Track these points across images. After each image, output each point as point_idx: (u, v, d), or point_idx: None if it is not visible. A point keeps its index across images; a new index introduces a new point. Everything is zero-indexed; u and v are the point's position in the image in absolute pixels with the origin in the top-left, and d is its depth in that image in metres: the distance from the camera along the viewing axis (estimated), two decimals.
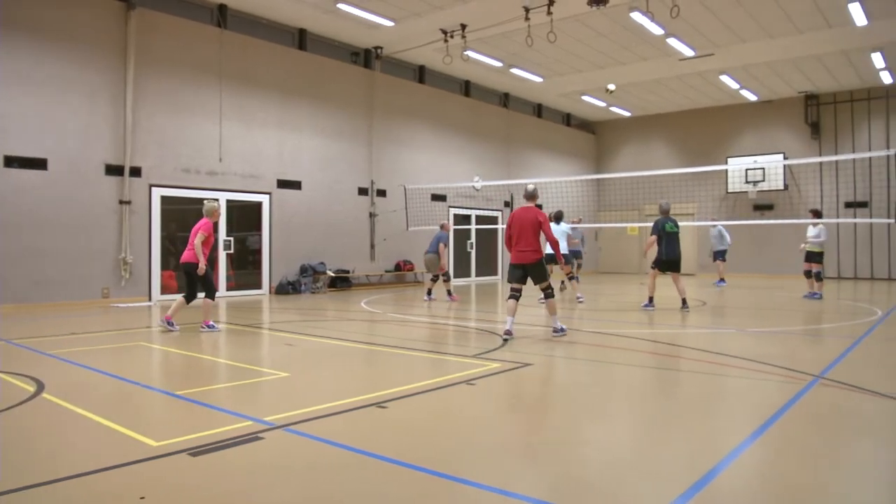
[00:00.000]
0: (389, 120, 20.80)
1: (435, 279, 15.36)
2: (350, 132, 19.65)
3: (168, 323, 10.12)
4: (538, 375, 6.96)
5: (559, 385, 6.60)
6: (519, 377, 6.78)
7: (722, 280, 20.23)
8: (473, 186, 23.11)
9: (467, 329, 10.60)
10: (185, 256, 10.07)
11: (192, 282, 10.13)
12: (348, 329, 10.41)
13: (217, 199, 10.23)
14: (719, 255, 20.33)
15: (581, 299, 14.86)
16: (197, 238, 9.81)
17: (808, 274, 15.88)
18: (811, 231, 15.63)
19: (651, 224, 13.37)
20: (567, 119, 29.47)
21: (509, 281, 9.55)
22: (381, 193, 20.48)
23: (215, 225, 10.24)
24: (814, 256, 15.65)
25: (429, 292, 15.32)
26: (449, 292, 15.28)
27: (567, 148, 28.85)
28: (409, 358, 7.91)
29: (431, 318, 12.05)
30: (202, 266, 9.82)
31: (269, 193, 17.60)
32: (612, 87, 17.30)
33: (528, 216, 9.29)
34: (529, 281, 9.59)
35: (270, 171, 17.60)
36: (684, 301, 12.77)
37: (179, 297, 10.28)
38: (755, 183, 25.86)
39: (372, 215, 20.14)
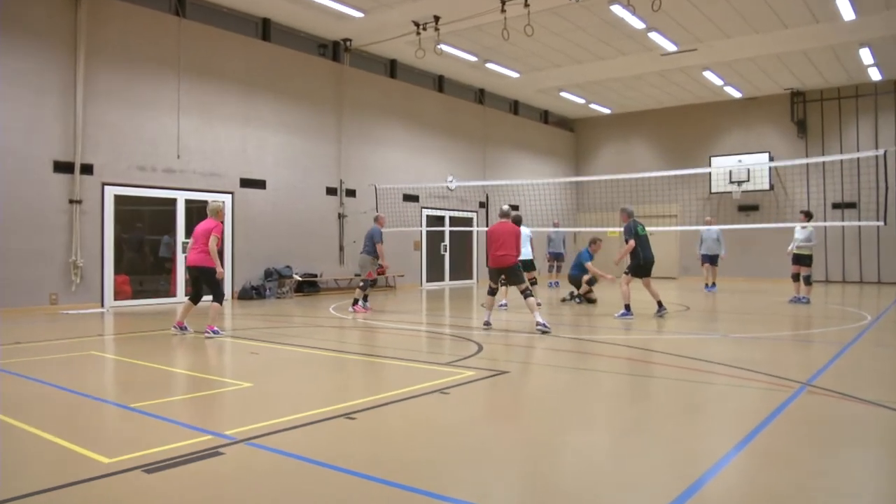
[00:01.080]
0: (359, 116, 20.65)
1: (371, 284, 14.33)
2: (317, 128, 19.47)
3: (180, 328, 10.47)
4: (515, 384, 6.96)
5: (537, 393, 6.61)
6: (495, 385, 6.77)
7: (713, 284, 20.39)
8: (447, 187, 23.03)
9: (441, 336, 10.60)
10: (193, 259, 10.20)
11: (198, 284, 10.41)
12: (316, 336, 10.36)
13: (222, 201, 10.72)
14: (714, 259, 20.45)
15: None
16: (211, 241, 10.01)
17: (795, 277, 16.06)
18: (801, 233, 15.73)
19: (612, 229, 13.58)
20: (545, 116, 29.56)
21: (491, 281, 11.56)
22: (351, 193, 20.34)
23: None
24: (804, 259, 15.80)
25: (364, 299, 14.13)
26: (356, 301, 13.81)
27: (545, 147, 28.98)
28: (379, 366, 7.88)
29: (403, 324, 12.06)
30: (220, 270, 10.11)
31: (231, 193, 17.43)
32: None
33: (506, 228, 11.16)
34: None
35: (233, 169, 17.41)
36: (661, 304, 12.93)
37: (186, 300, 10.57)
38: (740, 183, 26.06)
39: (341, 216, 19.99)
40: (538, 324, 10.40)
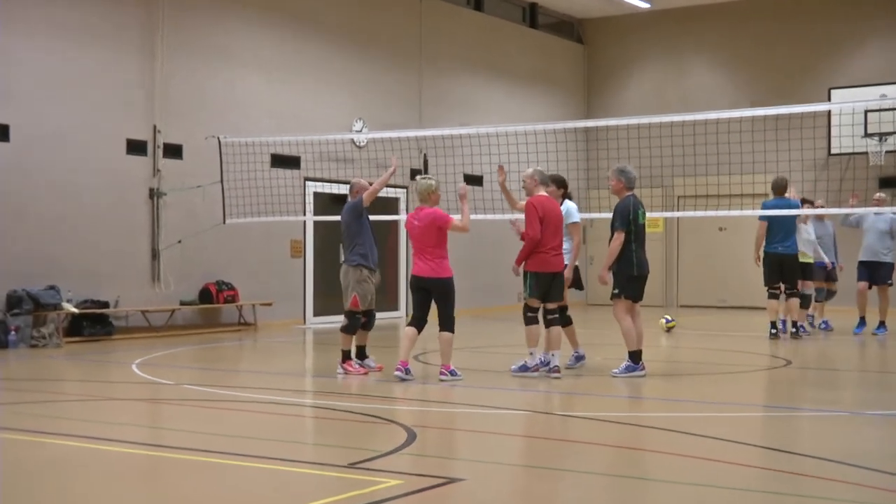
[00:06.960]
0: (189, 8, 15.64)
1: (356, 322, 10.40)
2: (113, 30, 14.84)
3: (405, 370, 9.28)
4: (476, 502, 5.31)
5: None
6: None
7: (882, 325, 14.02)
8: (353, 141, 17.80)
9: (344, 413, 8.23)
10: (425, 268, 9.48)
11: (426, 302, 9.56)
12: (105, 417, 8.02)
13: (431, 176, 9.48)
14: (888, 273, 14.10)
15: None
16: (459, 220, 9.39)
17: None
18: None
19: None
20: (531, 14, 23.11)
21: (532, 296, 9.84)
22: (174, 151, 15.50)
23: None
24: None
25: (347, 356, 10.23)
26: (346, 355, 10.52)
27: (532, 68, 22.50)
28: (225, 472, 6.07)
29: (272, 393, 9.69)
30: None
31: None
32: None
33: (556, 208, 9.92)
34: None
35: None
36: (636, 356, 10.53)
37: (407, 329, 9.57)
38: (882, 136, 20.09)
39: (155, 194, 15.20)
40: (551, 367, 9.47)
